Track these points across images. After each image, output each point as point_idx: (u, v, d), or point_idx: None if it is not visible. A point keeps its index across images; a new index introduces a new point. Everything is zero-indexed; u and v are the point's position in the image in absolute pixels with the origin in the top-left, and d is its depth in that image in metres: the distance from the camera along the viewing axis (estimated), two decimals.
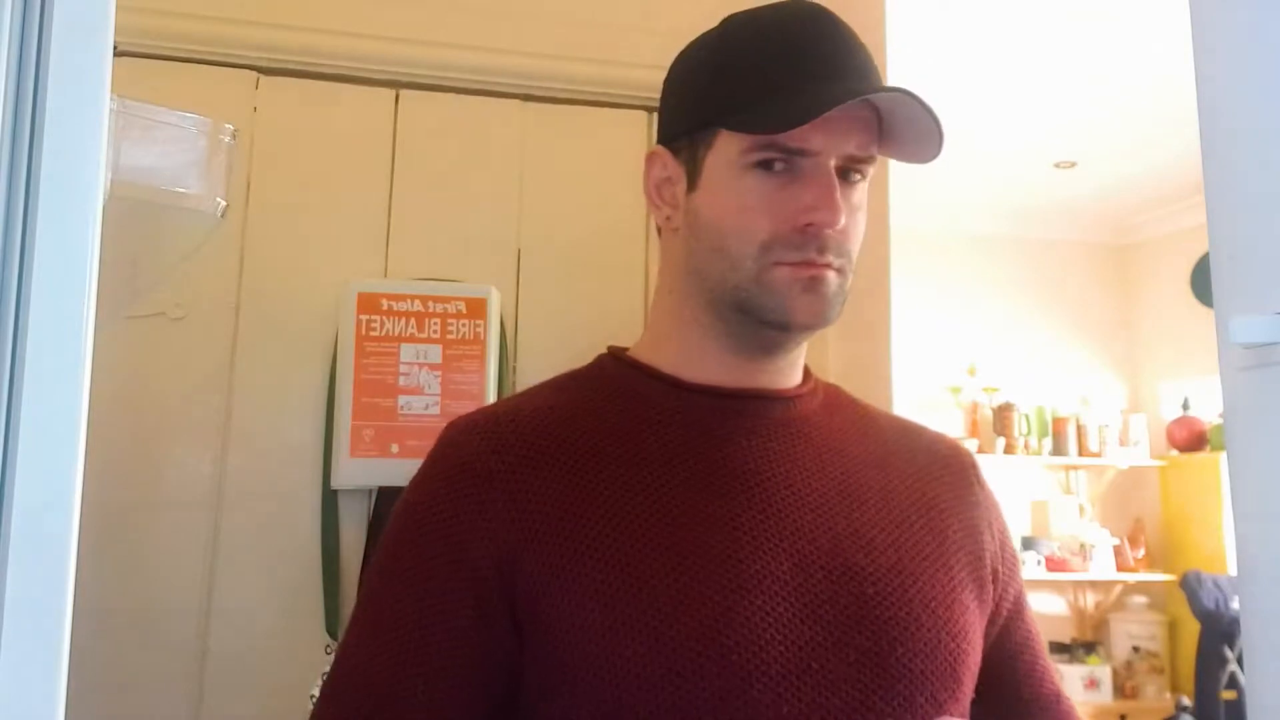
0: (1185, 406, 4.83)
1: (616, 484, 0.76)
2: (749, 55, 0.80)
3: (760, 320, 0.78)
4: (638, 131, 1.33)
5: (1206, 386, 4.67)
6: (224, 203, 0.94)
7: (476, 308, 1.17)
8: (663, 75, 1.30)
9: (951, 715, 0.75)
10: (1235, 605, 3.97)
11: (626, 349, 0.87)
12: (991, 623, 0.84)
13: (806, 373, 0.88)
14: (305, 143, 1.23)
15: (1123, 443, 4.89)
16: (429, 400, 1.16)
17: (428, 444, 1.17)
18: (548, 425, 0.79)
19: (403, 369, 1.15)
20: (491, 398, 1.17)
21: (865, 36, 1.44)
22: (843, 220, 0.76)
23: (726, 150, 0.78)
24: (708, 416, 0.81)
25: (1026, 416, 4.86)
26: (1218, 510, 4.54)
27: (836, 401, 0.89)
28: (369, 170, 1.24)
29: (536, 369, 1.23)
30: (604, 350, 0.88)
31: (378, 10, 1.25)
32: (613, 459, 0.77)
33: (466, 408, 1.20)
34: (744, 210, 0.77)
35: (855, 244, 0.80)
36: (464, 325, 1.16)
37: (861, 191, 0.81)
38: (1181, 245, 4.86)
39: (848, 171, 0.79)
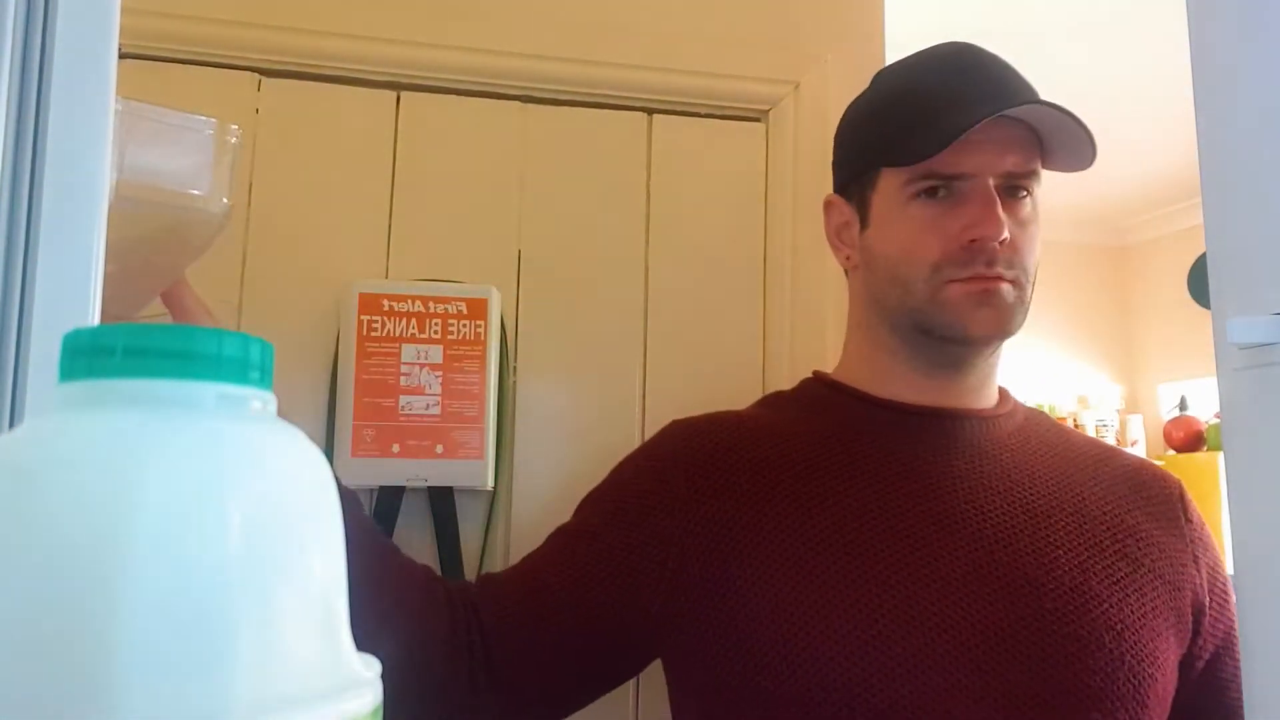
0: (1182, 407, 4.83)
1: (794, 486, 0.81)
2: (900, 97, 0.86)
3: (941, 337, 0.83)
4: (638, 133, 1.33)
5: (1203, 387, 4.67)
6: (229, 204, 0.94)
7: (477, 308, 1.17)
8: (662, 77, 1.31)
9: None
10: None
11: (828, 374, 0.95)
12: (1195, 655, 0.83)
13: (1005, 396, 0.91)
14: (307, 144, 1.23)
15: (1120, 443, 4.89)
16: (430, 400, 1.16)
17: (429, 443, 1.18)
18: (745, 432, 0.87)
19: (404, 369, 1.15)
20: (492, 398, 1.17)
21: (863, 38, 1.45)
22: (1006, 233, 0.80)
23: (889, 186, 0.84)
24: (891, 429, 0.85)
25: None
26: (1215, 510, 4.54)
27: (1036, 425, 0.91)
28: (370, 171, 1.24)
29: (537, 369, 1.24)
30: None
31: (379, 13, 1.25)
32: (794, 463, 0.84)
33: (468, 407, 1.20)
34: (911, 237, 0.82)
35: (1029, 256, 0.83)
36: (465, 326, 1.16)
37: (1029, 206, 0.84)
38: (1178, 246, 4.87)
39: (1013, 189, 0.83)
